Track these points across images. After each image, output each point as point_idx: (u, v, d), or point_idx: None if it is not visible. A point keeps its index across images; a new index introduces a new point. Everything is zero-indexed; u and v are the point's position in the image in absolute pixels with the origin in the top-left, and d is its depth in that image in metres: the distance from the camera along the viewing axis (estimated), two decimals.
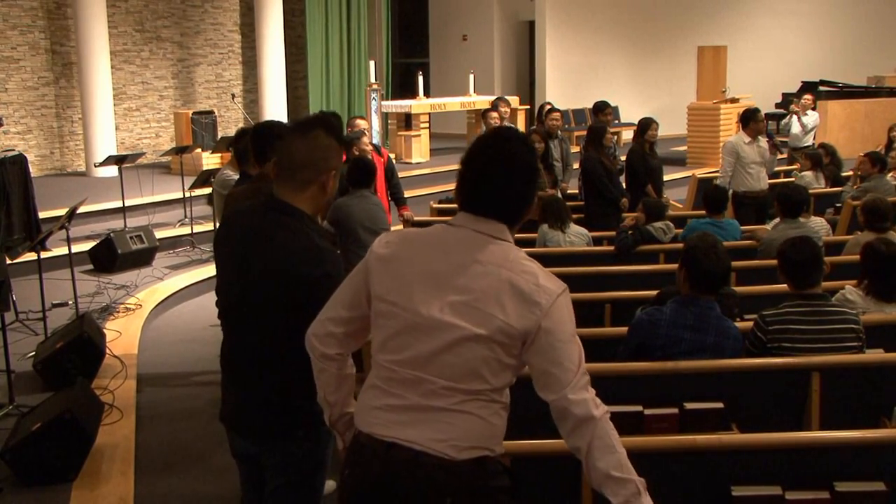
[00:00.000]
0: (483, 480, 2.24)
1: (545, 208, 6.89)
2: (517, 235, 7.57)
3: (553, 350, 2.19)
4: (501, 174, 2.26)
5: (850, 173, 10.15)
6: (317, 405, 2.52)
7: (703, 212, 7.18)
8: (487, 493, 2.25)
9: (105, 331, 6.66)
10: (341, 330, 2.37)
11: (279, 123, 4.45)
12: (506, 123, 9.59)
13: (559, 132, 8.89)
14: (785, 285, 4.11)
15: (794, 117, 11.50)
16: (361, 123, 7.34)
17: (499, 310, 2.17)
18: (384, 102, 15.75)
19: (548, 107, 9.38)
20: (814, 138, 11.67)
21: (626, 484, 2.24)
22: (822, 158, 9.58)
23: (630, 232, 6.55)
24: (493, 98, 11.24)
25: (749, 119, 8.31)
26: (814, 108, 11.87)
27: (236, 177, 5.40)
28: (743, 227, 6.86)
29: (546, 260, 6.36)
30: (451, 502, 2.20)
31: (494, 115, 8.98)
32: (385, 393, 2.26)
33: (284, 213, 2.63)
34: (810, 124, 11.51)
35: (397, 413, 2.24)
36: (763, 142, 8.35)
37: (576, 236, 6.79)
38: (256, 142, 4.12)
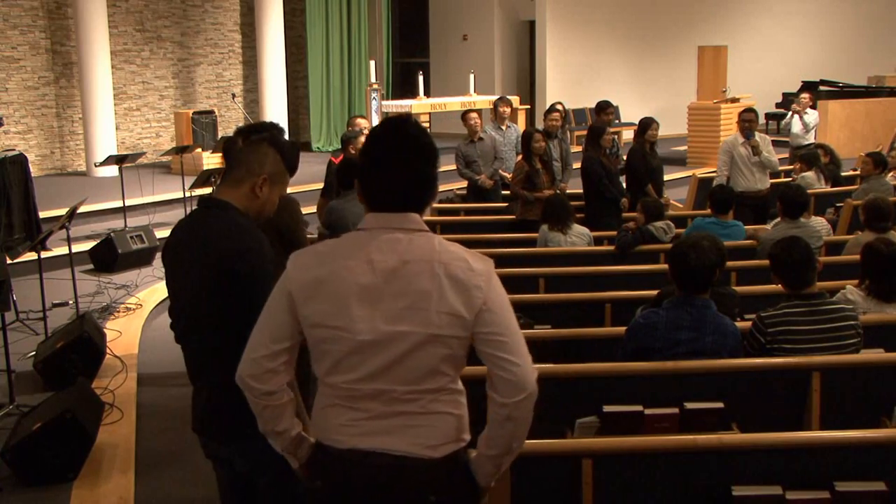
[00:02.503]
0: (460, 473, 2.28)
1: (547, 209, 6.86)
2: (517, 235, 7.48)
3: (501, 319, 2.18)
4: (400, 160, 2.18)
5: (852, 172, 10.15)
6: None
7: (706, 211, 7.18)
8: (464, 484, 2.29)
9: (105, 330, 6.66)
10: (277, 363, 2.26)
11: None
12: (507, 123, 9.59)
13: (558, 132, 8.87)
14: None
15: (796, 116, 11.45)
16: (362, 122, 7.34)
17: (444, 304, 2.14)
18: (384, 102, 15.75)
19: (556, 107, 9.34)
20: (814, 137, 11.62)
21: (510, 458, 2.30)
22: (819, 159, 9.56)
23: (630, 231, 6.55)
24: (493, 98, 11.24)
25: (739, 118, 8.39)
26: (812, 107, 11.84)
27: None
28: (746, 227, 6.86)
29: (546, 260, 6.38)
30: (434, 500, 2.22)
31: (473, 115, 8.98)
32: (348, 409, 2.23)
33: (213, 206, 2.73)
34: (811, 123, 11.47)
35: (367, 424, 2.22)
36: (762, 142, 8.33)
37: (577, 236, 6.78)
38: (223, 147, 4.30)
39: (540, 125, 11.35)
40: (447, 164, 14.14)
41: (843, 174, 9.92)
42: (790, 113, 11.68)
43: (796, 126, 11.40)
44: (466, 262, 2.17)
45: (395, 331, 2.15)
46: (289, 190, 4.50)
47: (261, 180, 2.72)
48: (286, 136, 4.07)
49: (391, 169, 2.18)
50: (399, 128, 2.22)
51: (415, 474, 2.21)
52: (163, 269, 2.83)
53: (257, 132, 2.80)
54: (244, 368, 2.28)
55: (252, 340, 2.27)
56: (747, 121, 8.26)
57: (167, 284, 2.90)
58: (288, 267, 2.25)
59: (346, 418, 2.24)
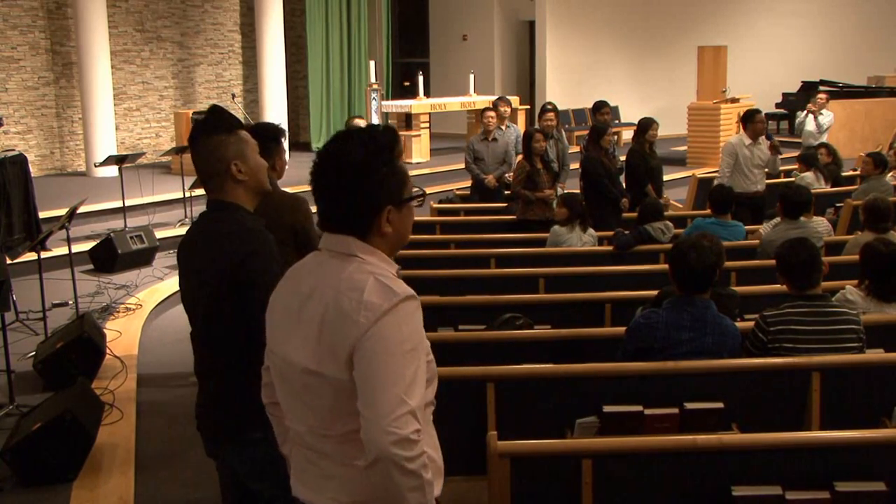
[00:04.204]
0: None
1: (572, 208, 6.72)
2: (518, 235, 7.42)
3: (369, 364, 1.87)
4: (322, 178, 2.01)
5: (852, 173, 10.12)
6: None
7: (705, 212, 7.16)
8: None
9: (105, 331, 6.65)
10: (268, 378, 2.24)
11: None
12: (507, 123, 9.59)
13: (553, 132, 8.84)
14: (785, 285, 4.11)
15: (810, 116, 11.33)
16: (360, 123, 7.33)
17: (324, 339, 1.94)
18: (384, 102, 15.76)
19: (549, 107, 9.32)
20: (827, 138, 11.42)
21: None
22: (817, 159, 9.55)
23: (627, 231, 6.55)
24: (493, 98, 11.23)
25: (747, 121, 8.31)
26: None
27: None
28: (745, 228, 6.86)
29: (546, 260, 6.38)
30: None
31: (490, 114, 8.97)
32: (296, 449, 2.15)
33: (217, 208, 2.73)
34: (826, 123, 11.32)
35: (298, 468, 2.13)
36: (764, 143, 8.35)
37: (591, 236, 6.78)
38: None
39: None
40: (451, 164, 14.19)
41: (843, 174, 9.91)
42: (805, 112, 11.54)
43: (810, 125, 11.28)
44: (360, 292, 1.91)
45: (294, 361, 2.02)
46: (291, 190, 4.52)
47: (233, 169, 2.69)
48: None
49: (313, 189, 2.05)
50: (331, 142, 2.05)
51: None
52: (163, 269, 2.84)
53: (197, 134, 2.72)
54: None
55: None
56: (761, 122, 8.26)
57: (179, 285, 2.92)
58: None
59: (294, 461, 2.16)
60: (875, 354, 4.05)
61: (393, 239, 2.04)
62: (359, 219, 2.00)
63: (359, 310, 1.90)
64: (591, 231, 6.82)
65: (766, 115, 17.74)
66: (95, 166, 12.41)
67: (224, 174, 2.69)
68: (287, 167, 4.29)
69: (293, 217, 3.97)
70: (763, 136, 8.38)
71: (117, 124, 14.46)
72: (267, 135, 3.92)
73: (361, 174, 1.97)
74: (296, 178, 7.89)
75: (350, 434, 1.96)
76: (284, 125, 15.53)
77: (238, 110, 14.28)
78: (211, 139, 2.70)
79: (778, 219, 6.21)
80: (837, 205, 8.24)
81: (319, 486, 2.05)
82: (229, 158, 2.69)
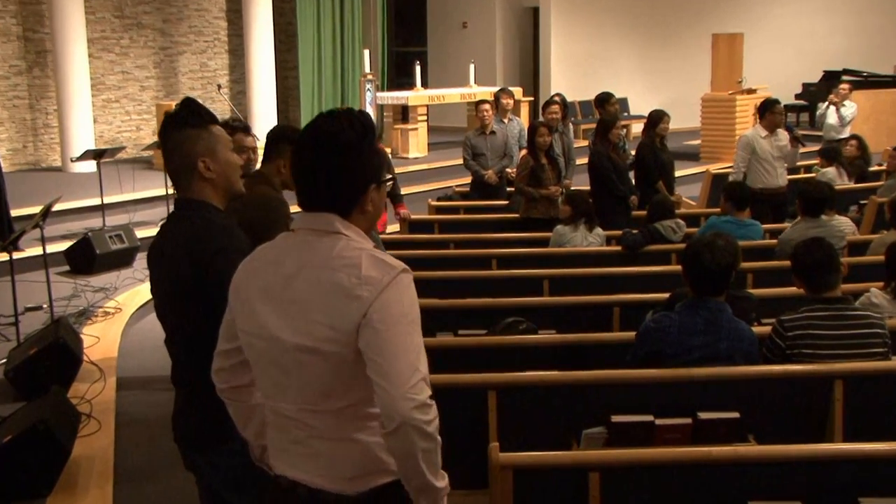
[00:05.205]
0: None
1: (577, 207, 6.76)
2: (521, 235, 7.43)
3: (380, 337, 2.03)
4: (313, 155, 2.13)
5: (878, 168, 10.09)
6: None
7: (719, 209, 7.16)
8: None
9: (82, 336, 6.65)
10: (228, 363, 2.35)
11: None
12: (510, 116, 9.60)
13: (559, 125, 8.84)
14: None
15: (832, 108, 11.30)
16: None
17: (324, 316, 2.07)
18: (379, 94, 15.77)
19: (555, 99, 9.31)
20: (849, 132, 11.37)
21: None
22: (840, 154, 9.52)
23: (636, 231, 6.55)
24: (494, 89, 11.24)
25: (766, 110, 8.25)
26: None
27: None
28: (764, 226, 6.86)
29: (551, 261, 6.38)
30: None
31: (485, 107, 8.98)
32: (274, 430, 2.24)
33: (186, 207, 2.72)
34: (848, 116, 11.26)
35: (288, 449, 2.20)
36: (782, 135, 8.34)
37: (596, 236, 6.78)
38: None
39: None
40: (450, 160, 14.20)
41: (869, 169, 9.89)
42: (826, 103, 11.51)
43: (832, 117, 11.24)
44: (357, 268, 2.07)
45: (284, 339, 2.12)
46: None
47: (201, 166, 2.68)
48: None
49: (299, 167, 2.17)
50: (317, 120, 2.18)
51: None
52: (143, 271, 2.85)
53: (166, 128, 2.72)
54: (213, 362, 2.40)
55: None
56: (779, 113, 8.26)
57: (151, 292, 2.92)
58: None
59: (275, 440, 2.24)
60: None
61: (370, 217, 2.21)
62: (347, 197, 2.15)
63: (360, 285, 2.05)
64: (598, 230, 6.82)
65: (785, 106, 17.81)
66: (72, 161, 12.41)
67: (191, 171, 2.68)
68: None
69: (245, 213, 3.93)
70: (783, 128, 8.36)
71: (95, 117, 14.46)
72: (276, 135, 3.98)
73: (353, 153, 2.13)
74: None
75: (345, 409, 2.12)
76: (273, 118, 15.60)
77: (224, 102, 14.28)
78: (179, 133, 2.69)
79: (798, 217, 6.21)
80: (862, 202, 8.24)
81: (306, 465, 2.17)
82: (197, 154, 2.67)
